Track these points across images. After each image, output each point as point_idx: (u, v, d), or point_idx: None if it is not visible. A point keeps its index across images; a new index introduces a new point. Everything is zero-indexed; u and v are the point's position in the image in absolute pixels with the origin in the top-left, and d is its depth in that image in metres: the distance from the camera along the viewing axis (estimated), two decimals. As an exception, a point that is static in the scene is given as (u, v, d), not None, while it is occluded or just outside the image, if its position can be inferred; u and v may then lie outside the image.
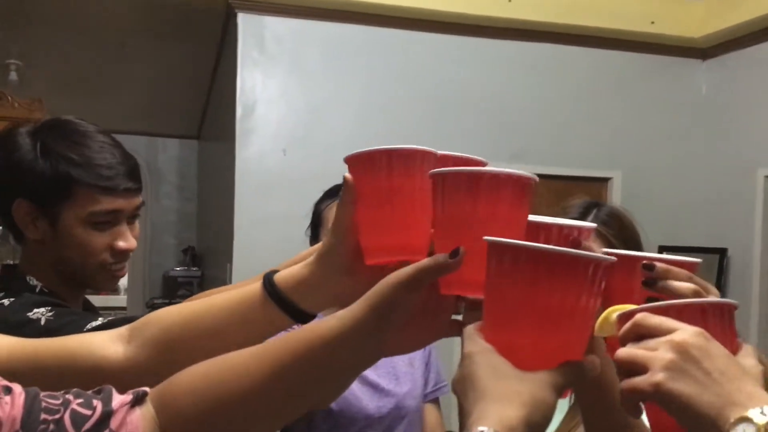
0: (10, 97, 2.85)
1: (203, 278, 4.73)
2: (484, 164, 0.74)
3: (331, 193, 1.49)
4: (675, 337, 0.57)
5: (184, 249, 4.95)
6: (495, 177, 0.63)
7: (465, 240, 0.61)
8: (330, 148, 3.13)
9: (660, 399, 0.56)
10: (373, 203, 0.70)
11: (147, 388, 0.68)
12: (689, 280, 0.72)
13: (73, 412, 0.62)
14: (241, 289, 0.78)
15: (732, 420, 0.53)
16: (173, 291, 4.73)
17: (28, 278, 1.13)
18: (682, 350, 0.56)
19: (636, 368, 0.57)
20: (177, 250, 4.99)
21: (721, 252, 3.38)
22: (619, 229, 1.20)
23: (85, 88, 3.85)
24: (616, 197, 3.43)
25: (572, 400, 1.06)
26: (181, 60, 3.79)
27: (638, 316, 0.59)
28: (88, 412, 0.63)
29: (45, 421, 0.61)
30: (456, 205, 0.64)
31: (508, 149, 3.23)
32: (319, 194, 1.52)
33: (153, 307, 4.43)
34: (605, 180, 3.52)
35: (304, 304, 0.74)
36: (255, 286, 0.76)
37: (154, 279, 4.93)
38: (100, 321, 0.99)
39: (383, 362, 1.50)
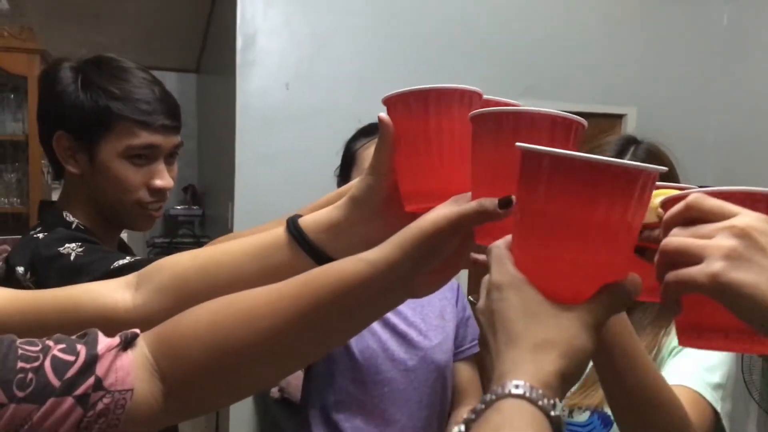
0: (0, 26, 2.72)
1: (204, 217, 4.67)
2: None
3: (366, 132, 1.41)
4: (736, 222, 0.49)
5: (185, 187, 4.88)
6: (549, 119, 0.57)
7: (510, 186, 0.56)
8: (336, 81, 3.02)
9: (717, 291, 0.48)
10: (416, 146, 0.66)
11: (137, 330, 0.62)
12: None
13: (55, 359, 0.57)
14: (262, 234, 0.74)
15: None
16: (174, 230, 4.68)
17: (64, 214, 1.15)
18: (746, 236, 0.48)
19: (686, 258, 0.49)
20: (177, 189, 4.91)
21: (738, 192, 3.29)
22: None
23: (79, 17, 3.70)
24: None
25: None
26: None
27: (692, 197, 0.51)
28: (71, 358, 0.57)
29: (22, 369, 0.55)
30: (501, 147, 0.57)
31: (518, 84, 3.11)
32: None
33: (154, 246, 4.38)
34: (619, 117, 3.40)
35: (331, 249, 0.70)
36: (278, 231, 0.72)
37: (155, 218, 4.86)
38: (128, 259, 0.97)
39: (413, 313, 1.46)
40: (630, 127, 3.35)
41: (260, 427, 3.07)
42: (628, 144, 1.15)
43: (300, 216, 0.73)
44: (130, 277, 0.76)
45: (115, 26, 3.94)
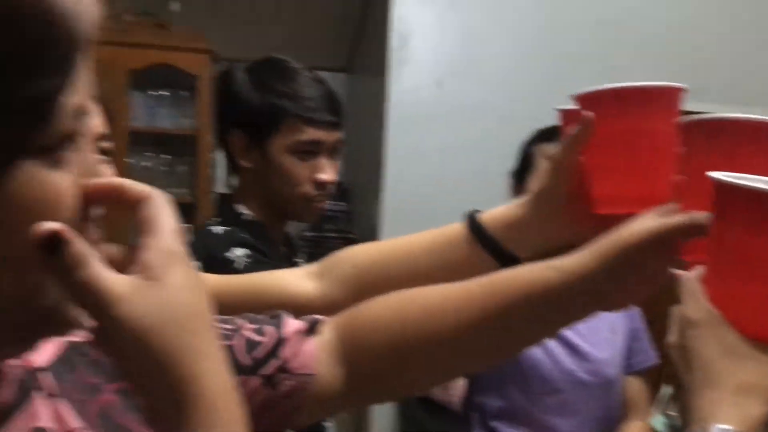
0: (171, 28, 2.91)
1: (351, 213, 4.77)
2: None
3: (545, 136, 1.38)
4: None
5: (332, 183, 4.98)
6: None
7: None
8: (488, 79, 2.97)
9: None
10: (612, 147, 0.63)
11: (322, 317, 0.64)
12: None
13: (246, 338, 0.59)
14: (442, 229, 0.75)
15: None
16: (321, 225, 4.81)
17: (238, 207, 1.21)
18: None
19: None
20: (324, 184, 5.04)
21: None
22: None
23: (242, 19, 3.90)
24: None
25: None
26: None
27: None
28: (261, 339, 0.59)
29: None
30: (717, 158, 0.53)
31: (685, 84, 2.92)
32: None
33: (303, 239, 4.53)
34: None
35: (512, 247, 0.69)
36: (456, 226, 0.73)
37: (303, 212, 5.01)
38: None
39: (583, 325, 1.39)
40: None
41: (402, 427, 3.09)
42: None
43: (478, 212, 0.72)
44: (314, 267, 0.79)
45: (274, 27, 4.12)
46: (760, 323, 0.47)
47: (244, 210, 1.22)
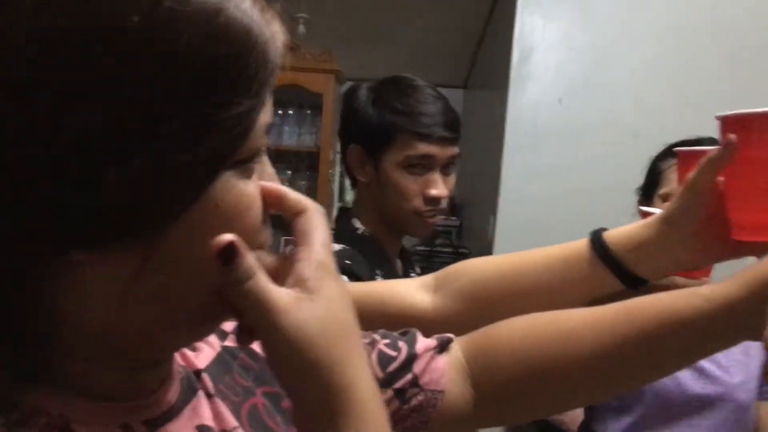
0: (303, 49, 3.03)
1: (461, 228, 4.78)
2: None
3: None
4: None
5: (444, 198, 5.00)
6: None
7: None
8: (611, 96, 2.90)
9: None
10: (758, 173, 0.61)
11: (452, 335, 0.64)
12: None
13: (380, 352, 0.61)
14: (563, 246, 0.73)
15: None
16: (432, 240, 4.84)
17: (353, 221, 1.24)
18: None
19: None
20: (437, 200, 5.06)
21: None
22: None
23: (364, 39, 4.02)
24: None
25: None
26: (453, 8, 3.76)
27: None
28: (394, 353, 0.61)
29: None
30: None
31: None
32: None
33: (415, 253, 4.57)
34: None
35: (638, 269, 0.67)
36: (580, 244, 0.71)
37: (415, 226, 5.05)
38: None
39: None
40: None
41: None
42: None
43: (604, 230, 0.70)
44: (429, 279, 0.79)
45: (396, 47, 4.21)
46: None
47: (358, 224, 1.25)
